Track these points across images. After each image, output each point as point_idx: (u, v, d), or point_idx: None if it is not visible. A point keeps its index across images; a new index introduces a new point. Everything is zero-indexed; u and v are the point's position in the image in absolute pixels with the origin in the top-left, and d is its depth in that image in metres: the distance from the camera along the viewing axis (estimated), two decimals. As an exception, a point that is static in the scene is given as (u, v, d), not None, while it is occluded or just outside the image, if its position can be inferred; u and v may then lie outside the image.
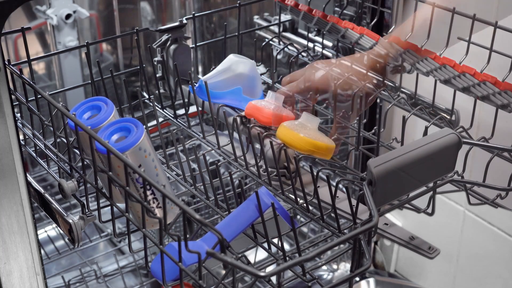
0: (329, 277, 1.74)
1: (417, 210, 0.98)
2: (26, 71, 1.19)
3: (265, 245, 0.89)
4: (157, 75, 1.23)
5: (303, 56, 1.37)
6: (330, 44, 1.41)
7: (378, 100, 1.44)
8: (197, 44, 1.32)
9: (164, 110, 1.20)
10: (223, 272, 0.74)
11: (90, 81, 1.15)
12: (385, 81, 1.14)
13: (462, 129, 1.03)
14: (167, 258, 0.77)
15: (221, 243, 0.70)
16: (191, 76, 1.17)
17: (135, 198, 0.82)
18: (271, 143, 0.95)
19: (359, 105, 1.08)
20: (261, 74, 1.29)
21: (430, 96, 1.18)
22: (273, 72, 1.32)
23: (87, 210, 0.94)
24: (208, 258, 0.74)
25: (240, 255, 0.84)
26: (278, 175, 0.96)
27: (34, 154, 1.06)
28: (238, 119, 1.05)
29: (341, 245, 1.37)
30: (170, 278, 0.81)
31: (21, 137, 0.96)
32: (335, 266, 1.76)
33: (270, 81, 1.30)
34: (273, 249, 0.89)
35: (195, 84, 1.13)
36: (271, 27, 1.49)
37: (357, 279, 1.65)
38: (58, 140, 1.00)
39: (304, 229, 1.77)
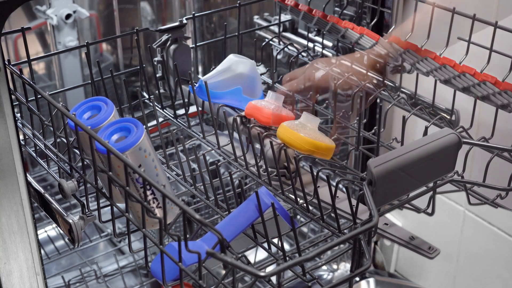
0: (329, 277, 1.74)
1: (417, 210, 0.98)
2: (26, 71, 1.19)
3: (265, 245, 0.89)
4: (157, 75, 1.23)
5: (303, 56, 1.37)
6: (330, 44, 1.41)
7: (378, 100, 1.44)
8: (197, 44, 1.32)
9: (164, 110, 1.20)
10: (223, 272, 0.74)
11: (90, 81, 1.14)
12: (385, 81, 1.14)
13: (462, 129, 1.03)
14: (167, 258, 0.77)
15: (221, 243, 0.70)
16: (191, 76, 1.17)
17: (135, 198, 0.82)
18: (271, 143, 0.95)
19: (359, 105, 1.08)
20: (261, 74, 1.28)
21: (430, 96, 1.18)
22: (273, 72, 1.31)
23: (87, 210, 0.94)
24: (208, 258, 0.74)
25: (240, 255, 0.84)
26: (278, 175, 0.96)
27: (34, 154, 1.06)
28: (238, 119, 1.05)
29: (341, 245, 1.37)
30: (170, 278, 0.81)
31: (21, 137, 0.96)
32: (335, 266, 1.76)
33: (270, 81, 1.30)
34: (273, 249, 0.89)
35: (195, 84, 1.13)
36: (271, 27, 1.49)
37: (357, 279, 1.64)
38: (58, 140, 1.00)
39: (304, 229, 1.77)
